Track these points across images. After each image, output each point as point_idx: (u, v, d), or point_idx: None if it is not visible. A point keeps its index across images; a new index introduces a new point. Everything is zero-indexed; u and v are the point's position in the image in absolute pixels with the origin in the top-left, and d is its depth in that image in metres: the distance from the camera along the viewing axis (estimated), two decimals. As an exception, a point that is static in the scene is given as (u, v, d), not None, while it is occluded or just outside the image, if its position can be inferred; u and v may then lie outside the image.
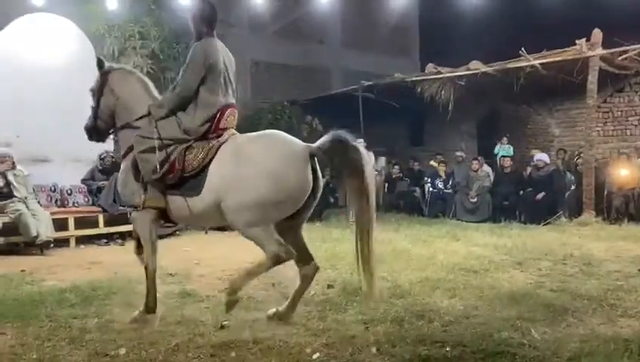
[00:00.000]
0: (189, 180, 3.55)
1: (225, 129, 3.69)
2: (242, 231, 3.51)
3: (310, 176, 3.46)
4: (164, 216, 3.75)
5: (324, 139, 3.54)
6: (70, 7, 9.00)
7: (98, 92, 3.97)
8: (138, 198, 3.69)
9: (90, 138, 4.15)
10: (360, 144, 3.62)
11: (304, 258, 3.67)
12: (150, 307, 3.78)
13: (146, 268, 3.81)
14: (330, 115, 12.81)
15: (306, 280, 3.68)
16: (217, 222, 3.77)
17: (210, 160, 3.52)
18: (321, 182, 3.57)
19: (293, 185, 3.40)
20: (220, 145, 3.57)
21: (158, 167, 3.55)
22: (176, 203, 3.62)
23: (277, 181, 3.35)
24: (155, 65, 9.68)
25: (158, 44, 9.78)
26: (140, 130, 3.76)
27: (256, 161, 3.42)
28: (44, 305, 4.17)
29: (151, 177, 3.60)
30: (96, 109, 4.00)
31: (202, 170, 3.52)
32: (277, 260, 3.41)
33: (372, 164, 3.44)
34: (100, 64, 4.00)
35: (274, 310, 3.73)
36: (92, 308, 4.14)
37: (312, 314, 3.91)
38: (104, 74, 3.98)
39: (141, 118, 3.79)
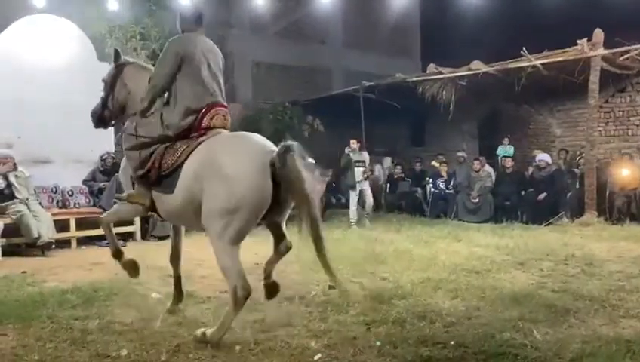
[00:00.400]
0: (165, 178, 3.52)
1: (209, 128, 3.58)
2: (214, 246, 3.37)
3: (268, 185, 3.22)
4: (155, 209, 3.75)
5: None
6: (71, 9, 8.99)
7: (110, 83, 4.00)
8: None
9: (95, 124, 4.17)
10: (304, 161, 3.31)
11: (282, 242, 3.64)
12: (114, 252, 4.00)
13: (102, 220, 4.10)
14: (331, 116, 12.81)
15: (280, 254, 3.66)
16: (195, 224, 3.57)
17: (185, 159, 3.45)
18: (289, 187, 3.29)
19: (248, 193, 3.19)
20: (196, 146, 3.48)
21: (139, 165, 3.60)
22: (159, 199, 3.63)
23: (233, 189, 3.19)
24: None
25: (159, 44, 9.78)
26: (127, 127, 3.81)
27: (218, 167, 3.27)
28: (45, 306, 4.17)
29: (135, 174, 3.65)
30: (105, 99, 4.03)
31: (175, 169, 3.47)
32: (235, 296, 3.24)
33: (313, 181, 3.22)
34: (116, 56, 4.04)
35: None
36: (93, 309, 4.14)
37: (314, 315, 3.92)
38: (119, 66, 4.01)
39: (135, 114, 3.82)
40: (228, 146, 3.43)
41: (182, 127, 3.55)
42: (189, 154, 3.45)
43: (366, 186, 10.06)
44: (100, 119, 4.10)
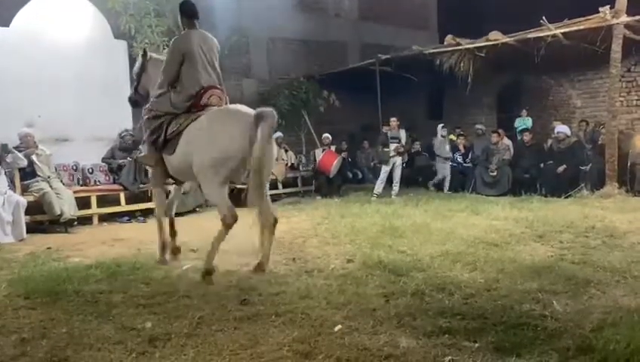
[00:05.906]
0: (169, 142, 4.52)
1: (206, 106, 4.54)
2: (203, 189, 4.47)
3: (246, 142, 4.06)
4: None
5: None
6: (86, -14, 8.97)
7: (138, 75, 5.15)
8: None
9: (132, 106, 5.58)
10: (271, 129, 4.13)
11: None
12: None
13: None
14: (347, 90, 12.72)
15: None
16: (191, 176, 4.57)
17: (185, 128, 4.42)
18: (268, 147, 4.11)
19: (231, 148, 4.13)
20: (196, 118, 4.44)
21: (151, 132, 4.62)
22: (167, 160, 4.65)
23: (219, 145, 4.14)
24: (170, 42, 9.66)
25: (174, 21, 9.75)
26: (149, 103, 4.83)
27: (208, 130, 4.25)
28: (70, 280, 4.27)
29: (149, 140, 4.68)
30: (136, 86, 5.20)
31: (177, 135, 4.45)
32: (224, 222, 4.20)
33: (270, 147, 4.27)
34: (144, 54, 5.12)
35: None
36: (117, 284, 4.23)
37: (333, 287, 3.96)
38: (145, 61, 5.08)
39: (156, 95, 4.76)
40: (216, 115, 4.39)
41: (185, 106, 4.54)
42: (189, 124, 4.42)
43: (398, 162, 10.25)
44: (134, 103, 5.35)
